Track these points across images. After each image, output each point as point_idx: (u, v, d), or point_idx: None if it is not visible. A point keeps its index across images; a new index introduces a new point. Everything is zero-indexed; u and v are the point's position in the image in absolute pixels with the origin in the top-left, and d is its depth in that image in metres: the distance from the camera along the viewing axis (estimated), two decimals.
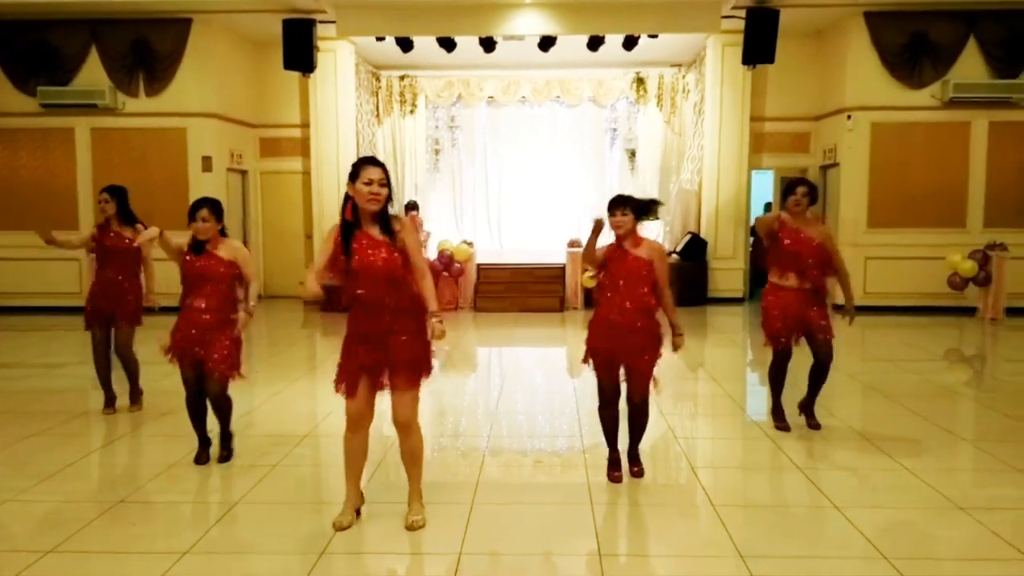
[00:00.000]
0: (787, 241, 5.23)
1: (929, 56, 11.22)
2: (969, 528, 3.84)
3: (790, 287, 5.28)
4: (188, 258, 4.66)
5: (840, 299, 5.62)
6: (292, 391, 6.84)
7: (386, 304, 3.64)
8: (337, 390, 3.77)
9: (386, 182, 3.63)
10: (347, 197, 3.67)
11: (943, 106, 11.31)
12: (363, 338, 3.69)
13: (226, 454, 4.85)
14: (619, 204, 4.38)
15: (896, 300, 11.56)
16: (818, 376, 5.47)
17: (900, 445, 5.13)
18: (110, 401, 6.06)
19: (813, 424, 5.55)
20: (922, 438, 5.36)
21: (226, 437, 4.91)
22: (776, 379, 5.56)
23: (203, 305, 4.64)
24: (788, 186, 5.33)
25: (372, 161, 3.67)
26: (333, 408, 6.16)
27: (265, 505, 4.22)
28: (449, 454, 5.27)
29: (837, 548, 3.61)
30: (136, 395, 6.12)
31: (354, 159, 12.92)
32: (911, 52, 11.23)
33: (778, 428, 5.52)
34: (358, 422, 3.79)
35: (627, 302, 4.30)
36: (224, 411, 4.83)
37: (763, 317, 5.45)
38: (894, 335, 9.95)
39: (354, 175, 3.63)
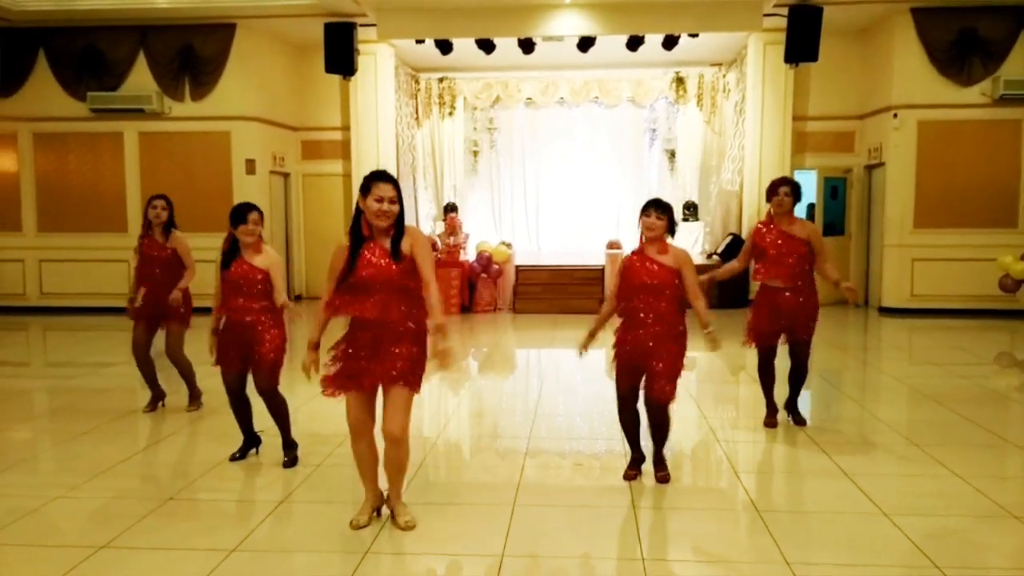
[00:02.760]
0: (771, 243, 5.30)
1: (978, 53, 10.95)
2: (1022, 536, 3.74)
3: (779, 287, 5.33)
4: (222, 268, 4.72)
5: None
6: None
7: (385, 308, 3.62)
8: (325, 393, 3.76)
9: (397, 199, 3.61)
10: (358, 210, 3.67)
11: (993, 103, 11.02)
12: (361, 343, 3.68)
13: (291, 460, 4.83)
14: (655, 206, 4.37)
15: (944, 303, 11.30)
16: (797, 378, 5.58)
17: (950, 450, 5.01)
18: (154, 399, 6.17)
19: (799, 421, 5.62)
20: (972, 444, 5.23)
21: (289, 445, 4.89)
22: (762, 376, 5.63)
23: (241, 306, 4.70)
24: (771, 186, 5.41)
25: (383, 177, 3.64)
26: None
27: (309, 504, 4.27)
28: (489, 455, 5.28)
29: (885, 556, 3.54)
30: (194, 397, 6.20)
31: (394, 162, 12.92)
32: (960, 49, 10.97)
33: (767, 425, 5.60)
34: (358, 430, 3.77)
35: (645, 311, 4.29)
36: (281, 413, 4.85)
37: (752, 316, 5.49)
38: (942, 338, 9.73)
39: (365, 188, 3.61)
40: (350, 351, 3.72)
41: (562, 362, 8.98)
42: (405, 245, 3.64)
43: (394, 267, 3.60)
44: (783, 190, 5.30)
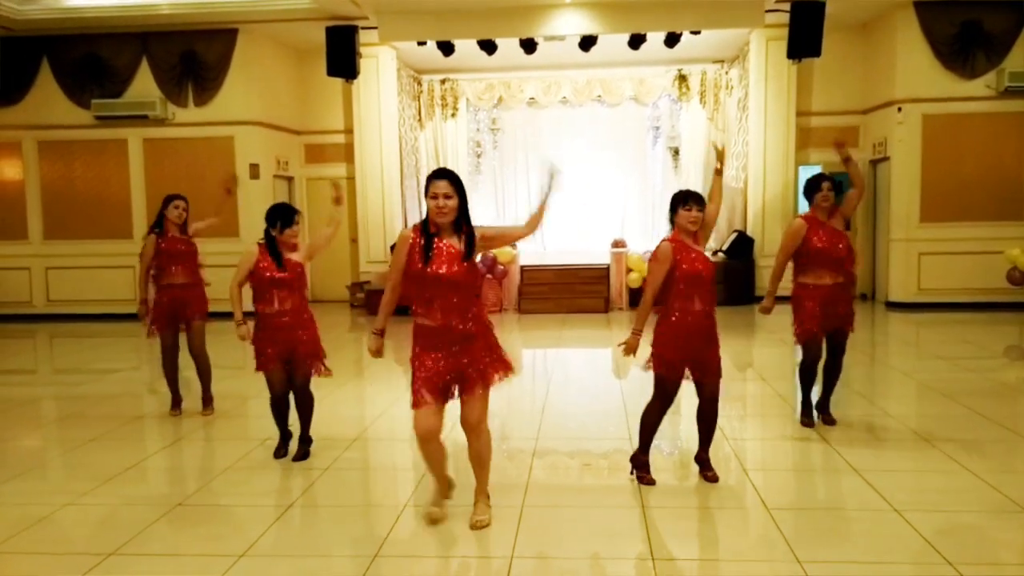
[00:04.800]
0: (820, 243, 5.23)
1: (982, 45, 10.90)
2: None
3: (825, 284, 5.27)
4: (263, 266, 4.79)
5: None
6: (341, 394, 6.90)
7: (460, 312, 3.65)
8: (415, 405, 3.72)
9: (452, 194, 3.61)
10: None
11: (998, 96, 10.97)
12: (438, 347, 3.68)
13: (302, 454, 5.01)
14: (695, 199, 4.29)
15: (952, 296, 11.25)
16: (834, 371, 5.50)
17: (960, 445, 4.98)
18: (177, 403, 6.22)
19: (829, 420, 5.52)
20: (983, 438, 5.21)
21: (306, 440, 5.08)
22: (808, 376, 5.51)
23: (280, 308, 4.83)
24: (813, 183, 5.34)
25: (438, 174, 3.67)
26: (382, 411, 6.21)
27: (318, 508, 4.27)
28: (497, 456, 5.22)
29: (896, 552, 3.52)
30: (207, 400, 6.23)
31: (397, 164, 13.00)
32: (963, 42, 10.92)
33: (804, 424, 5.51)
34: (427, 436, 3.75)
35: (702, 304, 4.27)
36: (307, 409, 5.05)
37: (799, 315, 5.39)
38: (951, 332, 9.69)
39: (425, 190, 3.66)
40: (430, 356, 3.71)
41: (569, 362, 8.97)
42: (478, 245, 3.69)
43: (461, 266, 3.62)
44: (826, 185, 5.26)
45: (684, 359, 4.31)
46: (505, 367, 3.82)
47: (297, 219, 4.86)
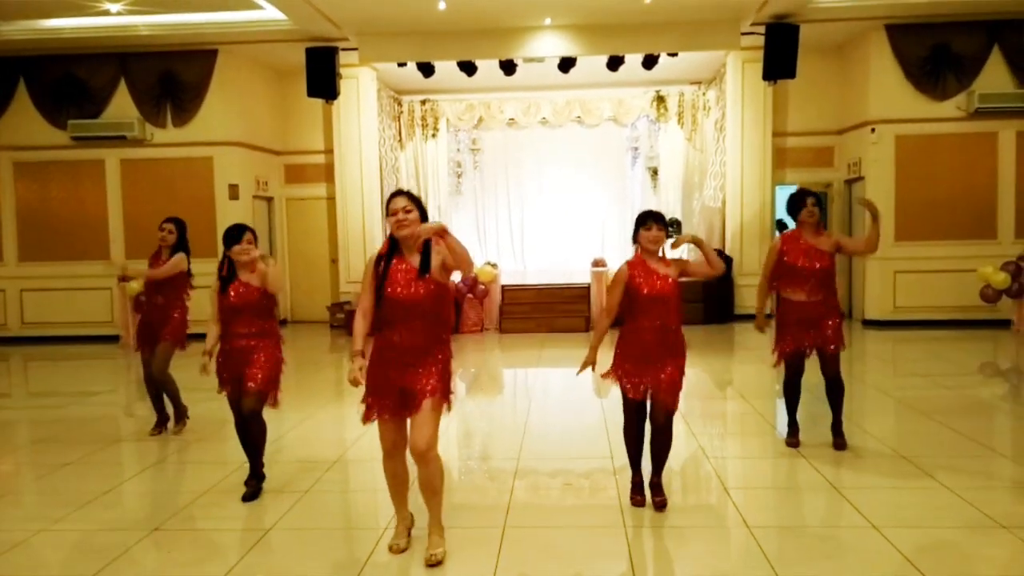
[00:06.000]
0: (791, 258, 5.29)
1: (952, 67, 11.14)
2: (1011, 546, 3.76)
3: (799, 300, 5.30)
4: (216, 289, 4.71)
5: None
6: (320, 416, 6.86)
7: (414, 333, 3.64)
8: (366, 420, 3.75)
9: (412, 208, 3.64)
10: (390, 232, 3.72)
11: (968, 117, 11.20)
12: (389, 365, 3.67)
13: (251, 493, 4.67)
14: (654, 219, 4.35)
15: (927, 314, 11.40)
16: (834, 393, 5.41)
17: (937, 462, 5.03)
18: (159, 423, 6.20)
19: (840, 445, 5.39)
20: (959, 454, 5.26)
21: (256, 475, 4.78)
22: (791, 394, 5.51)
23: (241, 331, 4.70)
24: (797, 199, 5.37)
25: (396, 193, 3.72)
26: (362, 433, 6.16)
27: (297, 531, 4.22)
28: (478, 477, 5.26)
29: (876, 569, 3.54)
30: (180, 415, 6.21)
31: (377, 184, 12.91)
32: (934, 64, 11.15)
33: (789, 444, 5.47)
34: (391, 449, 3.75)
35: (659, 321, 4.28)
36: (257, 440, 4.77)
37: (777, 333, 5.42)
38: (926, 350, 9.80)
39: (386, 210, 3.69)
40: (381, 373, 3.69)
41: (550, 381, 8.98)
42: (435, 261, 3.64)
43: (419, 286, 3.59)
44: (810, 200, 5.28)
45: (642, 375, 4.30)
46: (446, 401, 3.70)
47: (246, 237, 4.67)
